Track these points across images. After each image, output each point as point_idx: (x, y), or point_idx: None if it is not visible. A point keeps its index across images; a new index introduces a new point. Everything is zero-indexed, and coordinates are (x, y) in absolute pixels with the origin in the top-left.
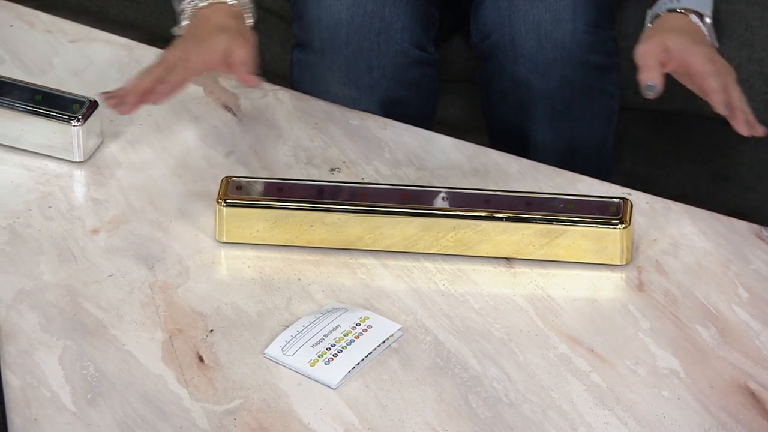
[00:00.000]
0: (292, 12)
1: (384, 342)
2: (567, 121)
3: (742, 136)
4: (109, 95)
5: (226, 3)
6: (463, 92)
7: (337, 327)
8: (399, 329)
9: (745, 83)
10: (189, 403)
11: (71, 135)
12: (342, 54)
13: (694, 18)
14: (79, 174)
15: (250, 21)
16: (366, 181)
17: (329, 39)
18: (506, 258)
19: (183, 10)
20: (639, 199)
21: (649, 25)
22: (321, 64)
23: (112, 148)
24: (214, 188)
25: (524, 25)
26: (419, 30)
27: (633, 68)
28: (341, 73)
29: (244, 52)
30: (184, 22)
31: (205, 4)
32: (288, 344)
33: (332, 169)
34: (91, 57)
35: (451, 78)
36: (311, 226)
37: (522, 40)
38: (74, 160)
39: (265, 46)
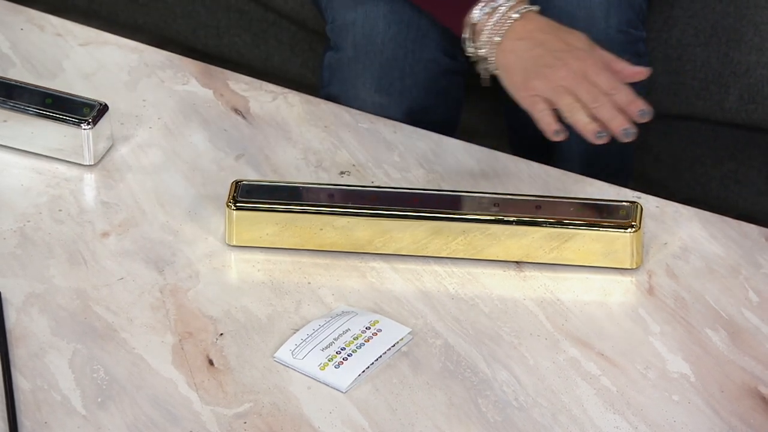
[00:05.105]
0: (323, 14)
1: (394, 346)
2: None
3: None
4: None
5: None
6: (479, 99)
7: (347, 330)
8: (409, 333)
9: (754, 87)
10: (199, 407)
11: (81, 138)
12: (376, 61)
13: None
14: (89, 177)
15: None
16: (376, 184)
17: (363, 45)
18: (516, 261)
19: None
20: (649, 202)
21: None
22: (353, 69)
23: (122, 152)
24: (224, 191)
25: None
26: (451, 39)
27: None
28: (373, 79)
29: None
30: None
31: (517, 15)
32: (298, 348)
33: (342, 173)
34: (101, 60)
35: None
36: (321, 229)
37: None
38: (84, 164)
39: (275, 49)
